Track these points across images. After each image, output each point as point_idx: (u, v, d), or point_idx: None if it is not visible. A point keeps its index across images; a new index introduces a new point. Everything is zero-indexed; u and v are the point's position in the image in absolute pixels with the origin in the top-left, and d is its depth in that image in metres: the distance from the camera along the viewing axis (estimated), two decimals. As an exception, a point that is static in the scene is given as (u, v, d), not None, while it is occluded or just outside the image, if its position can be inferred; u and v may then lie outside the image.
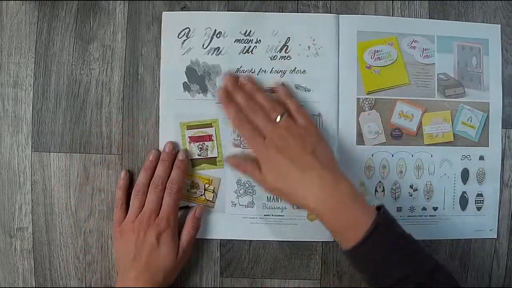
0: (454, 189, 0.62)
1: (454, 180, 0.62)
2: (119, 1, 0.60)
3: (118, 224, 0.56)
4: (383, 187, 0.61)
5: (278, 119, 0.54)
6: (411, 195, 0.61)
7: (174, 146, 0.59)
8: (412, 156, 0.61)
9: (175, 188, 0.56)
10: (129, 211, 0.56)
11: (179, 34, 0.60)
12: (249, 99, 0.56)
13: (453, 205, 0.62)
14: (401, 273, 0.47)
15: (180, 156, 0.58)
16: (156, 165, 0.58)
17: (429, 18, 0.62)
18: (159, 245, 0.53)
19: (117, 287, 0.54)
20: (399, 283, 0.47)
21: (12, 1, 0.60)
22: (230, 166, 0.59)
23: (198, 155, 0.60)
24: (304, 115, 0.56)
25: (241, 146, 0.60)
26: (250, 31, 0.60)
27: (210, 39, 0.60)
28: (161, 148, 0.59)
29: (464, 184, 0.62)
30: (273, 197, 0.60)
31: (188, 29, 0.60)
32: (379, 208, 0.51)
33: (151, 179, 0.57)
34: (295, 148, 0.53)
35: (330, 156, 0.55)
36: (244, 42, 0.60)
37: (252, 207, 0.60)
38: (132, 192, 0.57)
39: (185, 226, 0.57)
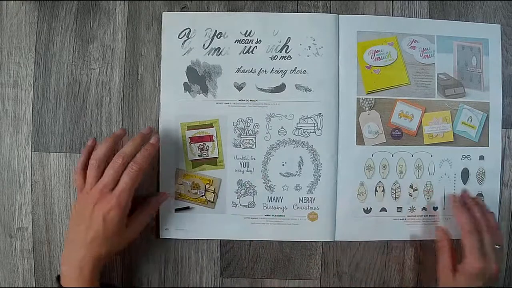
0: (454, 189, 0.62)
1: (454, 180, 0.62)
2: (119, 1, 0.60)
3: (80, 191, 0.54)
4: (383, 187, 0.61)
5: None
6: (411, 195, 0.61)
7: (152, 131, 0.57)
8: (412, 156, 0.61)
9: (136, 168, 0.53)
10: (86, 182, 0.54)
11: (179, 34, 0.60)
12: (482, 217, 0.58)
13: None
14: None
15: (152, 140, 0.56)
16: (119, 140, 0.57)
17: (429, 18, 0.62)
18: (105, 223, 0.52)
19: (65, 250, 0.54)
20: None
21: (12, 1, 0.60)
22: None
23: (198, 155, 0.60)
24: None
25: (241, 146, 0.60)
26: (251, 31, 0.60)
27: (210, 39, 0.60)
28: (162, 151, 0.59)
29: (464, 184, 0.62)
30: (274, 197, 0.60)
31: (188, 30, 0.60)
32: None
33: (110, 152, 0.55)
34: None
35: None
36: (244, 42, 0.60)
37: (253, 207, 0.60)
38: (89, 163, 0.54)
39: (143, 208, 0.56)
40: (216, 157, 0.60)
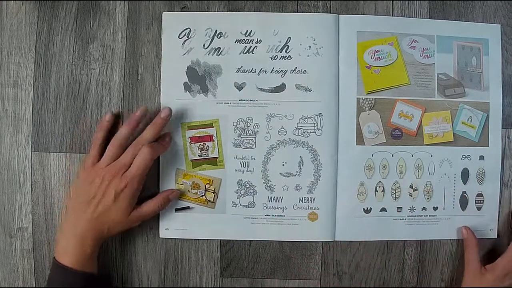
0: (454, 189, 0.62)
1: (454, 180, 0.62)
2: (119, 1, 0.60)
3: (92, 164, 0.56)
4: (383, 187, 0.61)
5: None
6: (411, 195, 0.61)
7: (171, 112, 0.57)
8: (412, 156, 0.61)
9: (150, 156, 0.55)
10: (103, 157, 0.56)
11: (179, 34, 0.60)
12: None
13: (453, 205, 0.62)
14: None
15: (167, 138, 0.58)
16: (141, 121, 0.57)
17: (429, 18, 0.62)
18: (116, 200, 0.54)
19: (66, 220, 0.56)
20: None
21: (12, 1, 0.60)
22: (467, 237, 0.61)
23: (198, 155, 0.60)
24: None
25: (242, 146, 0.60)
26: (251, 31, 0.60)
27: (210, 39, 0.60)
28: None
29: (464, 184, 0.62)
30: (274, 197, 0.60)
31: (189, 30, 0.60)
32: None
33: (132, 133, 0.56)
34: None
35: None
36: (244, 42, 0.60)
37: (253, 207, 0.60)
38: (111, 142, 0.56)
39: (154, 198, 0.57)
40: (216, 157, 0.60)
